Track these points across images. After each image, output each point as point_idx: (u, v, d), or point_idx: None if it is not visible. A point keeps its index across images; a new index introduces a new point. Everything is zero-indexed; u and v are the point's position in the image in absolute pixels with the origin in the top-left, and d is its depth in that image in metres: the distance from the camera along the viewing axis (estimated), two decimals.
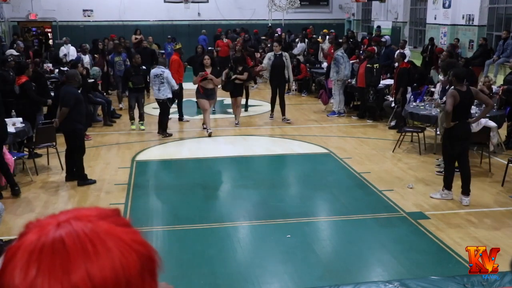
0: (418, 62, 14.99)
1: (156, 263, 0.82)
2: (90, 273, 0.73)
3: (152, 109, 13.15)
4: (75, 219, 0.78)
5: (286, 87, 12.55)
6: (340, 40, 13.90)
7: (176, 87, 10.49)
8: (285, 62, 11.33)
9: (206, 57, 10.16)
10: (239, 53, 11.88)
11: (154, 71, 10.36)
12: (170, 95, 10.30)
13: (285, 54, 11.60)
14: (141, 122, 10.90)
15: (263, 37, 20.38)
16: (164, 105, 10.30)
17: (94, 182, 7.53)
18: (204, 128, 10.47)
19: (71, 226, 0.77)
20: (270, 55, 11.56)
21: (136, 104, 10.72)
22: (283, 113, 11.56)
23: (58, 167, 8.21)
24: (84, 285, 0.72)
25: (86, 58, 13.46)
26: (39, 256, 0.74)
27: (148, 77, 10.83)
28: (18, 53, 13.69)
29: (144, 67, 11.22)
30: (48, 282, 0.72)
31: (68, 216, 0.79)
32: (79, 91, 7.82)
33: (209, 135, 10.16)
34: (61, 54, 15.75)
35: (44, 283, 0.72)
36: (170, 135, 10.42)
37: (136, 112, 10.83)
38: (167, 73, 10.27)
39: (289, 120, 11.47)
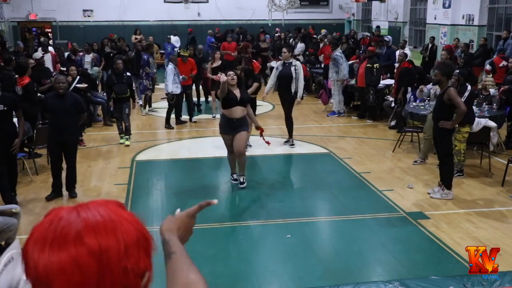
0: (418, 62, 14.97)
1: (150, 243, 0.98)
2: (99, 240, 0.90)
3: (150, 110, 13.16)
4: (91, 204, 0.97)
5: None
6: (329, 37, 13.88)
7: (168, 89, 10.80)
8: (292, 73, 9.16)
9: (231, 73, 7.30)
10: (246, 56, 11.11)
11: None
12: (169, 90, 10.74)
13: (296, 63, 9.44)
14: (126, 136, 9.67)
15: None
16: (168, 99, 10.97)
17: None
18: (234, 180, 7.51)
19: (86, 205, 0.96)
20: (278, 64, 9.57)
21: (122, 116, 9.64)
22: (290, 134, 9.63)
23: None
24: (94, 246, 0.89)
25: (88, 58, 13.42)
26: (55, 229, 0.91)
27: (134, 85, 9.91)
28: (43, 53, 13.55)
29: (128, 73, 10.07)
30: (59, 247, 0.89)
31: (86, 203, 0.99)
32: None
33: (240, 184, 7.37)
34: (37, 56, 14.02)
35: (59, 247, 0.89)
36: (171, 127, 11.03)
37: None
38: (168, 68, 10.83)
39: (293, 145, 9.53)
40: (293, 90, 9.19)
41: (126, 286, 0.91)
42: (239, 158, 7.16)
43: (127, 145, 9.63)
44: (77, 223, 0.90)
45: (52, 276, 0.87)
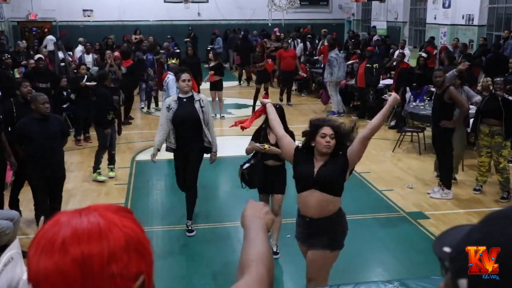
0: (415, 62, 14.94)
1: (144, 245, 1.01)
2: (82, 247, 0.92)
3: (141, 109, 13.15)
4: (85, 210, 1.00)
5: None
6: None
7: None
8: (198, 112, 5.67)
9: (329, 140, 3.97)
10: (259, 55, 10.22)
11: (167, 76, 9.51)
12: None
13: (201, 96, 5.86)
14: (111, 166, 7.96)
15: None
16: None
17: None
18: None
19: (78, 213, 0.98)
20: (170, 101, 5.75)
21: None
22: (189, 215, 5.86)
23: None
24: (77, 254, 0.91)
25: (89, 58, 13.39)
26: (47, 235, 0.94)
27: (120, 103, 8.03)
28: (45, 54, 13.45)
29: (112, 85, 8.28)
30: (46, 254, 0.92)
31: (83, 208, 1.01)
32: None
33: None
34: (77, 55, 14.28)
35: (46, 254, 0.92)
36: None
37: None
38: (170, 79, 9.12)
39: (192, 231, 5.83)
40: (205, 140, 5.80)
41: None
42: None
43: (111, 177, 7.93)
44: (65, 231, 0.94)
45: (40, 282, 0.92)
